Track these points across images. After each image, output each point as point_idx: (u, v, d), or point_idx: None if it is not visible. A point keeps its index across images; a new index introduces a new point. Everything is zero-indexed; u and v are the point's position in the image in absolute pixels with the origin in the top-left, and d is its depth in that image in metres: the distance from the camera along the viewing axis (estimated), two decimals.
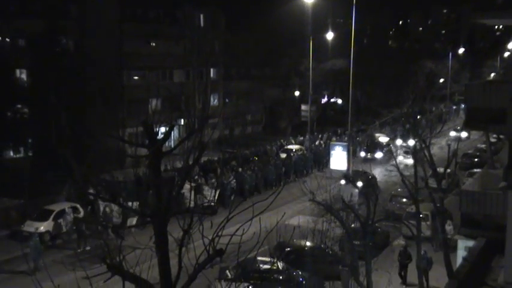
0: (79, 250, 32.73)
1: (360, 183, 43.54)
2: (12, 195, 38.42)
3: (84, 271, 8.71)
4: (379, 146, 62.85)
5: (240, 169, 48.15)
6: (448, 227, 31.72)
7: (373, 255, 25.18)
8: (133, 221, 35.07)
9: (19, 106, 47.65)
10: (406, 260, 29.51)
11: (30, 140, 47.69)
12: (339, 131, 73.48)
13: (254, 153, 57.88)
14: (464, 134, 70.67)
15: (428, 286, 27.49)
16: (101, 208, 36.39)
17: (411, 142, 55.71)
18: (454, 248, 28.77)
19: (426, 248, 29.51)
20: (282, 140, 66.86)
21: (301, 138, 69.34)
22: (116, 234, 34.08)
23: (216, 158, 52.14)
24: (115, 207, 35.35)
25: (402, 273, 29.57)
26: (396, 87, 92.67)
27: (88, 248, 32.85)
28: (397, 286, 29.10)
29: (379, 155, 60.92)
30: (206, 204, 37.00)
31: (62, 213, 35.51)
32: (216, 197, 40.08)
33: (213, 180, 43.83)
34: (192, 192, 34.82)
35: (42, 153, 42.11)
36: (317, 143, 65.12)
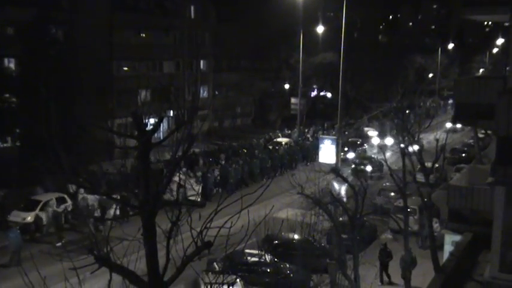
0: (57, 244, 32.01)
1: (369, 168, 44.86)
2: None
3: (71, 262, 8.68)
4: (351, 146, 61.36)
5: (224, 162, 47.77)
6: (435, 225, 31.74)
7: (361, 248, 25.24)
8: (112, 213, 34.34)
9: (7, 95, 47.35)
10: (386, 258, 29.14)
11: (18, 130, 47.41)
12: (326, 125, 73.44)
13: (241, 146, 57.75)
14: (459, 125, 70.91)
15: (410, 286, 27.42)
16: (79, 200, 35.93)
17: (388, 140, 56.63)
18: (440, 246, 28.83)
19: (411, 245, 29.37)
20: (270, 133, 66.75)
21: (288, 131, 69.28)
22: (95, 227, 33.70)
23: (197, 150, 51.73)
24: (95, 200, 34.92)
25: (383, 272, 29.15)
26: (386, 81, 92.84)
27: (63, 241, 32.10)
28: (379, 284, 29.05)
29: (351, 155, 59.21)
30: (191, 197, 36.85)
31: (49, 204, 35.29)
32: (199, 190, 39.78)
33: (198, 173, 43.53)
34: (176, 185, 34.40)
35: (30, 143, 41.88)
36: (303, 136, 64.90)
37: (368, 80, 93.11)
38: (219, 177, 44.78)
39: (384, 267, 29.14)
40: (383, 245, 29.77)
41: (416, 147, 26.66)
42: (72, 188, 36.87)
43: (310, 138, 63.67)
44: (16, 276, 9.83)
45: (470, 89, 23.42)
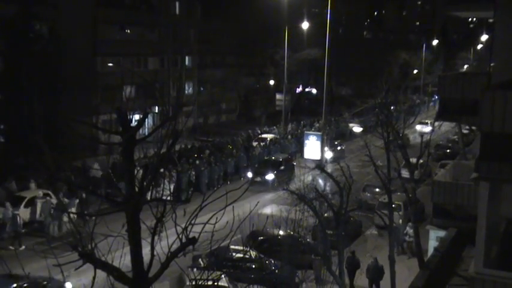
0: (15, 249, 29.96)
1: None
2: None
3: (55, 258, 8.63)
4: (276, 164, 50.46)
5: (198, 161, 45.70)
6: (410, 230, 31.49)
7: (346, 244, 25.30)
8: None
9: None
10: (354, 267, 28.12)
11: (2, 126, 47.13)
12: (303, 123, 72.86)
13: (215, 145, 56.37)
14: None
15: None
16: (39, 203, 34.49)
17: (328, 154, 54.22)
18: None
19: (380, 255, 28.84)
20: (249, 131, 65.98)
21: (266, 129, 68.28)
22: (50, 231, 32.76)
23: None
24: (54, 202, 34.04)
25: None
26: (370, 77, 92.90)
27: (23, 247, 30.57)
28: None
29: (329, 155, 54.53)
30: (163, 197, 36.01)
31: (33, 200, 34.94)
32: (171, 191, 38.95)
33: (173, 172, 42.19)
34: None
35: (13, 139, 41.67)
36: (282, 135, 63.76)
37: (353, 76, 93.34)
38: (194, 177, 42.94)
39: (351, 276, 28.09)
40: (351, 253, 28.71)
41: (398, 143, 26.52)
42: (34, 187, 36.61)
43: (289, 136, 62.72)
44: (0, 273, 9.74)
45: (455, 85, 23.53)
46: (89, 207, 32.68)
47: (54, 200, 34.62)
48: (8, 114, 43.47)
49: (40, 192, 35.69)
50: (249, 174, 47.49)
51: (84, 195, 34.84)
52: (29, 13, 47.12)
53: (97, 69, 60.30)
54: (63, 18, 55.19)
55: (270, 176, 46.37)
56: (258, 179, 46.34)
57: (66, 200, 33.88)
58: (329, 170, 31.77)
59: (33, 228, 33.97)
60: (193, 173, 43.18)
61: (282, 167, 48.54)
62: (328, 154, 54.59)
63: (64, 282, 21.88)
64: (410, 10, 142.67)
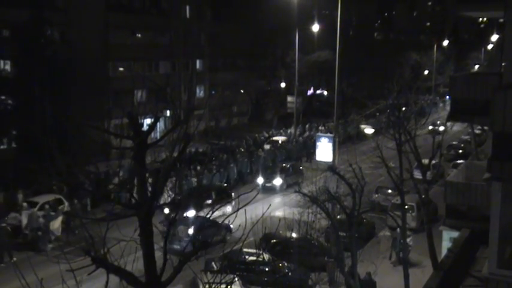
0: (2, 264, 29.57)
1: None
2: None
3: (68, 264, 8.66)
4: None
5: (199, 167, 44.66)
6: (408, 238, 31.14)
7: (359, 246, 25.22)
8: (55, 225, 33.01)
9: (3, 97, 47.31)
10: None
11: (14, 132, 47.34)
12: (307, 126, 72.41)
13: (221, 148, 55.49)
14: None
15: None
16: (24, 215, 33.37)
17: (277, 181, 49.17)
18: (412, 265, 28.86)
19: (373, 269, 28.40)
20: (256, 135, 65.63)
21: (270, 132, 67.78)
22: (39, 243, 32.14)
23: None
24: (40, 213, 33.39)
25: None
26: (381, 78, 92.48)
27: (14, 259, 29.52)
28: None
29: (278, 181, 46.29)
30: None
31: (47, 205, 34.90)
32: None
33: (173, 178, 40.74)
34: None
35: (26, 145, 41.83)
36: (283, 138, 62.51)
37: (364, 77, 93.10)
38: (195, 184, 41.13)
39: None
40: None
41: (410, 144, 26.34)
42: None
43: (294, 141, 62.16)
44: (13, 279, 9.79)
45: (466, 86, 23.42)
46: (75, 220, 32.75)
47: (40, 212, 33.68)
48: (19, 120, 43.65)
49: (52, 198, 35.93)
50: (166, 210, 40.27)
51: (70, 207, 34.96)
52: (41, 19, 47.30)
53: (108, 74, 60.50)
54: (75, 23, 55.48)
55: (277, 181, 40.84)
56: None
57: (52, 213, 33.69)
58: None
59: (19, 241, 32.48)
60: (195, 179, 42.08)
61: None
62: (278, 181, 46.59)
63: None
64: (420, 11, 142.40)
